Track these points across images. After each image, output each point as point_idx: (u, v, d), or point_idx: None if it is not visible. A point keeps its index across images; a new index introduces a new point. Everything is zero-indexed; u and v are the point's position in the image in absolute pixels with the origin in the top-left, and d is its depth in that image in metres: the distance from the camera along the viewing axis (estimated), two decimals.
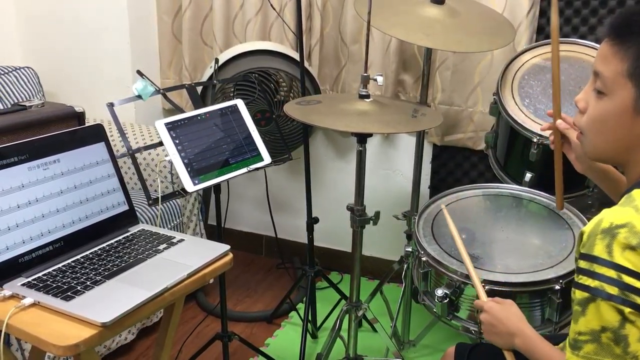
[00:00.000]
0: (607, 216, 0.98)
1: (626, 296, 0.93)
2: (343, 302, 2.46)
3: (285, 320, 2.58)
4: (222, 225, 1.92)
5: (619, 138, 1.06)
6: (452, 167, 2.60)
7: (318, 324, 2.48)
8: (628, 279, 0.93)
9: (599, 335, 0.96)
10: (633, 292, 0.93)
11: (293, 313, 2.60)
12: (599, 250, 0.96)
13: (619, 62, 1.02)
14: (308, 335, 2.37)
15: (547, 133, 1.40)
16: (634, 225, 0.94)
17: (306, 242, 2.41)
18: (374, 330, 2.44)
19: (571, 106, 1.67)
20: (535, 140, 1.78)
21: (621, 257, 0.94)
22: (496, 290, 1.48)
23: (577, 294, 0.99)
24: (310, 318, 2.42)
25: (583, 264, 0.99)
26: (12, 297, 1.25)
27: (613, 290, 0.94)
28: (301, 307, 2.58)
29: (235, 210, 3.05)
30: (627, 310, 0.94)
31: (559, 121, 1.33)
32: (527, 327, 1.20)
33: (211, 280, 2.64)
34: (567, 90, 1.89)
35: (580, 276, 0.99)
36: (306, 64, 2.40)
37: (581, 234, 1.01)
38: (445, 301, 1.56)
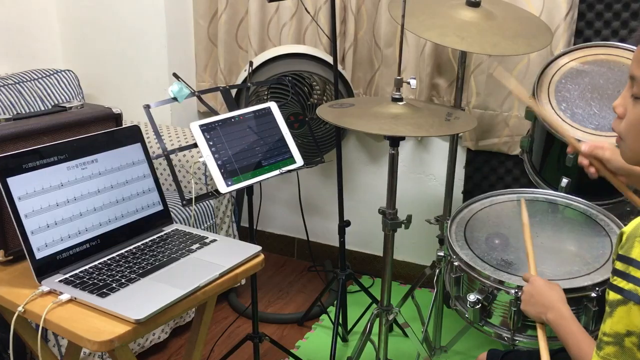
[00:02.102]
0: None
1: None
2: (374, 306, 2.45)
3: (316, 322, 2.58)
4: (255, 227, 1.93)
5: None
6: (486, 171, 2.57)
7: (349, 328, 2.48)
8: None
9: (622, 338, 0.94)
10: None
11: (324, 316, 2.60)
12: (637, 253, 0.94)
13: None
14: (338, 338, 2.37)
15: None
16: None
17: (338, 245, 2.41)
18: (405, 335, 2.43)
19: (610, 110, 1.64)
20: None
21: None
22: None
23: (610, 295, 0.97)
24: (341, 321, 2.42)
25: (619, 265, 0.97)
26: (49, 293, 1.28)
27: None
28: (332, 310, 2.58)
29: (268, 213, 3.08)
30: None
31: (582, 147, 1.44)
32: (565, 307, 1.23)
33: (243, 282, 2.67)
34: (607, 94, 1.85)
35: (615, 277, 0.97)
36: (340, 68, 2.40)
37: (621, 235, 0.99)
38: (478, 307, 1.54)
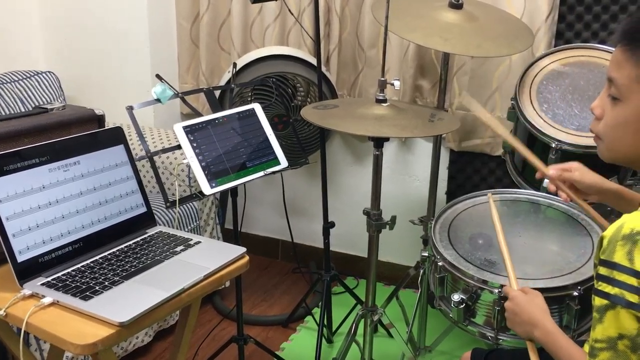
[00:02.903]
0: (628, 221, 0.96)
1: None
2: (359, 307, 2.45)
3: (301, 324, 2.58)
4: (239, 229, 1.93)
5: (637, 143, 1.05)
6: (469, 172, 2.58)
7: (333, 329, 2.48)
8: None
9: (615, 342, 0.95)
10: None
11: (309, 317, 2.60)
12: (620, 257, 0.95)
13: (632, 67, 1.01)
14: (323, 339, 2.37)
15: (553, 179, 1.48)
16: None
17: (322, 246, 2.41)
18: (390, 335, 2.44)
19: (590, 111, 1.66)
20: (553, 145, 1.76)
21: None
22: None
23: (597, 301, 0.98)
24: (325, 322, 2.42)
25: (603, 270, 0.97)
26: (31, 296, 1.27)
27: (633, 298, 0.93)
28: (317, 311, 2.58)
29: (252, 214, 3.07)
30: None
31: (550, 172, 1.45)
32: (549, 321, 1.21)
33: (227, 284, 2.66)
34: (587, 95, 1.87)
35: (600, 283, 0.98)
36: (324, 69, 2.41)
37: (601, 239, 1.00)
38: (462, 306, 1.55)
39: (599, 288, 0.98)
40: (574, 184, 1.46)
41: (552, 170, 1.46)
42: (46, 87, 2.55)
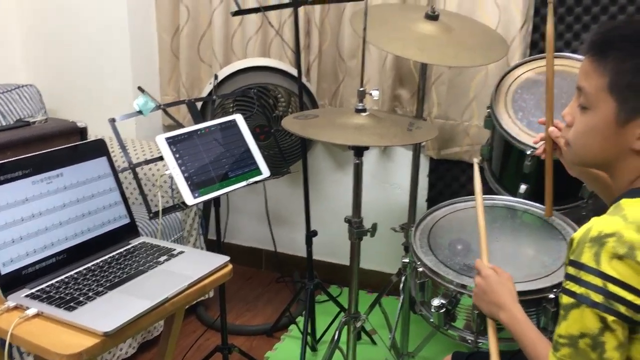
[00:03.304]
0: (596, 225, 1.01)
1: (610, 304, 0.96)
2: (342, 314, 2.47)
3: (285, 333, 2.59)
4: (222, 239, 1.94)
5: (604, 149, 1.09)
6: (449, 180, 2.63)
7: (317, 337, 2.50)
8: (613, 288, 0.96)
9: (577, 340, 1.00)
10: (617, 301, 0.96)
11: (293, 326, 2.62)
12: (587, 258, 0.99)
13: (599, 77, 1.05)
14: (307, 347, 2.39)
15: (539, 144, 1.45)
16: (622, 235, 0.97)
17: (305, 255, 2.43)
18: (373, 342, 2.46)
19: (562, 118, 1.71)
20: (529, 152, 1.81)
21: (608, 266, 0.97)
22: None
23: (564, 299, 1.03)
24: (309, 331, 2.43)
25: (571, 270, 1.02)
26: (16, 308, 1.27)
27: (598, 298, 0.97)
28: (301, 320, 2.59)
29: (235, 225, 3.08)
30: (610, 318, 0.97)
31: (551, 128, 1.38)
32: (516, 307, 1.25)
33: (211, 294, 2.67)
34: (560, 103, 1.92)
35: (568, 282, 1.02)
36: (305, 80, 2.44)
37: (571, 241, 1.04)
38: (442, 311, 1.57)
39: (567, 287, 1.02)
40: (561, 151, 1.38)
41: (554, 130, 1.38)
42: (27, 100, 2.55)
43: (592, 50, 1.07)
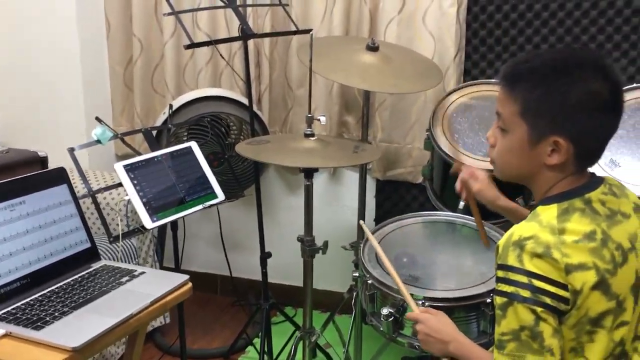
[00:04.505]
0: (516, 230, 1.15)
1: (537, 297, 1.10)
2: (297, 332, 2.55)
3: (242, 355, 2.65)
4: (180, 261, 2.01)
5: (522, 166, 1.23)
6: (395, 199, 2.77)
7: (274, 356, 2.56)
8: (537, 283, 1.10)
9: (518, 333, 1.12)
10: (542, 294, 1.10)
11: (250, 347, 2.67)
12: (512, 260, 1.13)
13: (512, 104, 1.19)
14: None
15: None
16: (539, 237, 1.11)
17: (260, 278, 2.49)
18: (329, 358, 2.54)
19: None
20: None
21: (530, 264, 1.10)
22: (436, 306, 1.62)
23: (498, 300, 1.15)
24: (266, 350, 2.50)
25: (500, 273, 1.15)
26: None
27: (526, 293, 1.10)
28: (257, 341, 2.65)
29: (190, 251, 3.12)
30: (539, 309, 1.10)
31: (463, 171, 1.70)
32: (459, 334, 1.37)
33: (168, 319, 2.70)
34: (491, 125, 2.09)
35: (499, 284, 1.15)
36: (255, 108, 2.55)
37: (497, 247, 1.18)
38: (390, 319, 1.68)
39: (499, 288, 1.15)
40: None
41: (465, 170, 1.70)
42: None
43: (504, 80, 1.21)
